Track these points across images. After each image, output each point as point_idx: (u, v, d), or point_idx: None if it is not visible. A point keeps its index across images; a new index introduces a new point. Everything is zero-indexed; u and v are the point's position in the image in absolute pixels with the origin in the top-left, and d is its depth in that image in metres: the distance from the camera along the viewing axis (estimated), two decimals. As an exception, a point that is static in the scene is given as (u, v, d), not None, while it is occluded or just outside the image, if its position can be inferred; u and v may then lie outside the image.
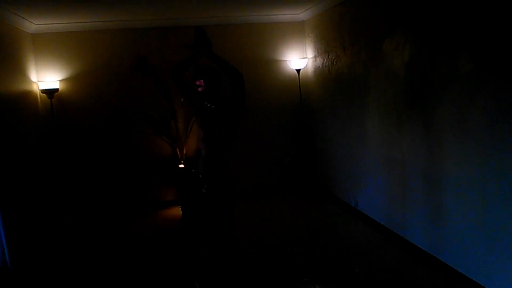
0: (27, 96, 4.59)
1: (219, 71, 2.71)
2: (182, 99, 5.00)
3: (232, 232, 2.84)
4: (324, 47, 4.97)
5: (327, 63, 4.93)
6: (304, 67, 5.52)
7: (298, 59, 5.45)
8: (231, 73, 2.63)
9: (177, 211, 5.21)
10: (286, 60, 5.59)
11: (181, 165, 5.14)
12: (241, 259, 2.96)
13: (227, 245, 2.82)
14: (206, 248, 2.82)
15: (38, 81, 4.87)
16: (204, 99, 2.71)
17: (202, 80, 2.66)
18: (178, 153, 5.26)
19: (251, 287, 3.18)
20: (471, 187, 2.80)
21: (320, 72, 5.19)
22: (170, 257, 3.82)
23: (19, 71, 4.44)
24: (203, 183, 2.72)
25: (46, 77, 4.92)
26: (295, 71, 5.51)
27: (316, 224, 4.51)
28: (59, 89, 4.92)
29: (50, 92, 4.78)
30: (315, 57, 5.30)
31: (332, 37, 4.73)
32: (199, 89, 2.68)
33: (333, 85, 4.85)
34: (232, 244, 2.87)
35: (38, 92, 4.87)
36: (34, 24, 4.68)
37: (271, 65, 5.58)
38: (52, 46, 4.94)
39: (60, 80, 4.97)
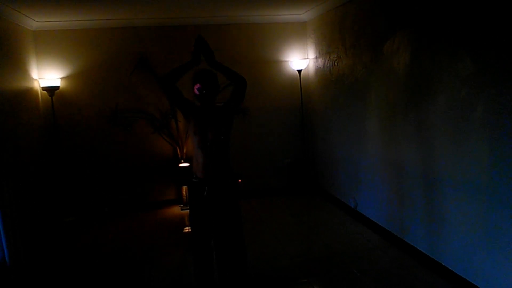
0: (28, 93, 4.59)
1: (216, 75, 2.71)
2: (170, 116, 5.02)
3: (241, 236, 2.84)
4: (326, 48, 4.97)
5: (328, 64, 4.93)
6: (305, 68, 5.52)
7: (300, 59, 5.45)
8: (237, 80, 2.67)
9: (177, 210, 5.21)
10: (287, 61, 5.58)
11: (182, 164, 5.14)
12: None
13: (237, 252, 2.82)
14: (208, 249, 2.82)
15: (39, 79, 4.87)
16: (202, 103, 2.71)
17: (200, 84, 2.65)
18: (179, 152, 5.27)
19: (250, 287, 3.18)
20: (470, 189, 2.80)
21: (321, 73, 5.18)
22: (170, 257, 3.83)
23: (20, 68, 4.44)
24: (204, 188, 2.71)
25: (47, 75, 4.92)
26: (297, 72, 5.50)
27: (315, 225, 4.51)
28: (60, 87, 4.91)
29: (51, 90, 4.78)
30: (316, 58, 5.30)
31: (333, 38, 4.73)
32: (197, 92, 2.68)
33: (334, 86, 4.85)
34: (243, 251, 2.87)
35: (39, 89, 4.87)
36: (35, 21, 4.68)
37: (273, 65, 5.58)
38: (53, 44, 4.94)
39: (61, 78, 4.97)
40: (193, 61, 2.66)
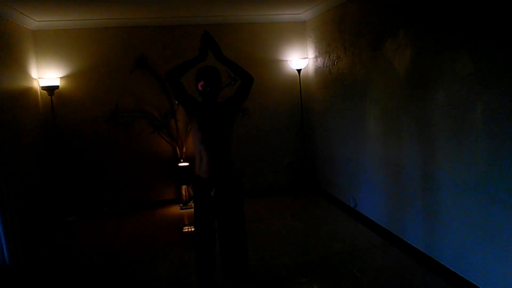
0: (28, 93, 4.59)
1: (220, 73, 2.72)
2: (177, 102, 5.01)
3: (244, 234, 2.85)
4: (325, 47, 4.97)
5: (328, 64, 4.93)
6: (305, 67, 5.52)
7: (299, 59, 5.46)
8: (245, 77, 2.68)
9: (176, 209, 5.22)
10: (287, 60, 5.58)
11: (181, 164, 5.14)
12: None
13: (240, 248, 2.84)
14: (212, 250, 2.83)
15: (39, 78, 4.87)
16: (206, 100, 2.71)
17: (203, 81, 2.66)
18: (178, 151, 5.27)
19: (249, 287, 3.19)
20: (469, 189, 2.80)
21: (321, 73, 5.19)
22: (170, 256, 3.83)
23: (20, 68, 4.44)
24: (210, 187, 2.72)
25: (46, 74, 4.92)
26: (296, 71, 5.51)
27: (315, 224, 4.51)
28: (60, 86, 4.91)
29: (50, 89, 4.78)
30: (316, 57, 5.30)
31: (333, 37, 4.73)
32: (200, 89, 2.68)
33: (333, 86, 4.85)
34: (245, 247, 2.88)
35: (38, 89, 4.87)
36: (35, 20, 4.68)
37: (272, 65, 5.58)
38: (53, 43, 4.94)
39: (60, 77, 4.97)
40: (200, 56, 2.62)
